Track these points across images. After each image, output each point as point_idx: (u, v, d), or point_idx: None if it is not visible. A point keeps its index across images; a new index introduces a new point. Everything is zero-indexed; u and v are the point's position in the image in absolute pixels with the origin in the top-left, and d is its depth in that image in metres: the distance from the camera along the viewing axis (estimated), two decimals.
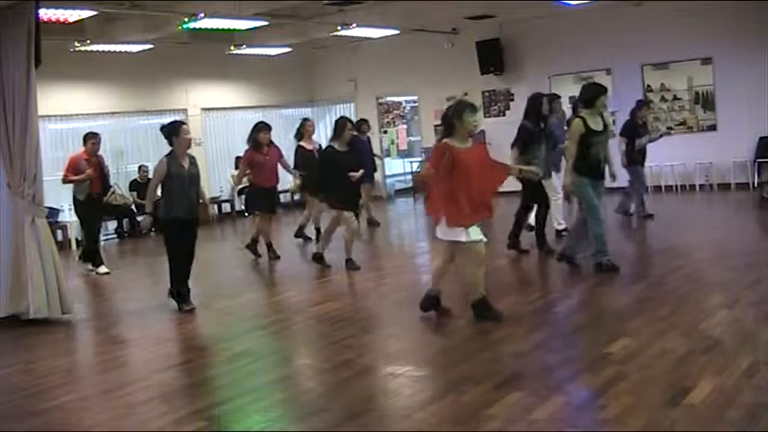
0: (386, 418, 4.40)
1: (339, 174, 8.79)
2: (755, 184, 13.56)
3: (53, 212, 12.10)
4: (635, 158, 10.89)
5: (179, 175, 7.43)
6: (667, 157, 13.91)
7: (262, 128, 10.25)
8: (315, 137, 12.21)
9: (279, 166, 10.48)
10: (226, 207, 16.66)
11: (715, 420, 3.85)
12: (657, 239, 9.86)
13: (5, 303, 7.57)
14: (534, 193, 9.02)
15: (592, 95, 7.48)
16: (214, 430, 4.47)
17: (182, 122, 7.79)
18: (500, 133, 14.18)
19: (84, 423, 4.69)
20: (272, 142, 10.35)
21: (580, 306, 6.77)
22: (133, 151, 15.52)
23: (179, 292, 7.65)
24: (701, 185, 14.17)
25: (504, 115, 16.01)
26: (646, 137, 11.08)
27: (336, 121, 9.18)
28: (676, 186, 14.30)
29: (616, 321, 6.09)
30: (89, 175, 9.97)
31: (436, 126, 17.26)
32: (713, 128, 14.04)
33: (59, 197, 12.86)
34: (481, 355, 5.37)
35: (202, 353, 6.28)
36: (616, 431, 3.93)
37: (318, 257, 9.37)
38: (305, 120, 11.72)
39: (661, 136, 11.58)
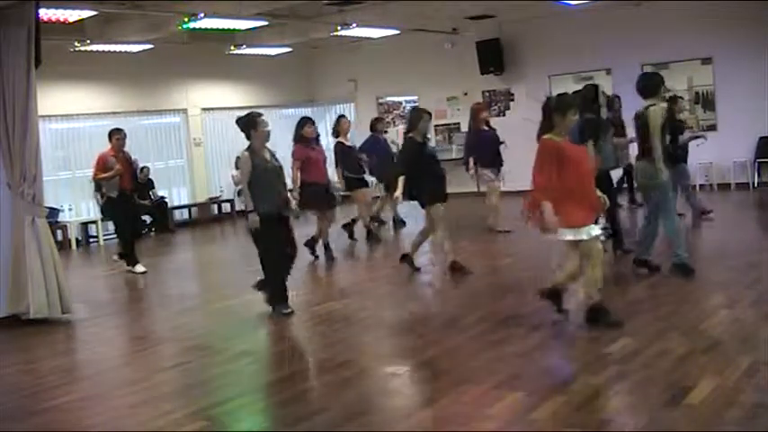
0: (386, 418, 4.40)
1: (424, 166, 8.19)
2: (755, 184, 13.57)
3: (53, 212, 12.10)
4: (678, 155, 10.65)
5: (264, 169, 6.97)
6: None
7: (306, 122, 10.02)
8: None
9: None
10: (226, 207, 16.67)
11: (715, 420, 3.85)
12: (657, 239, 9.84)
13: (5, 303, 7.56)
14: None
15: (657, 83, 7.38)
16: (214, 430, 4.47)
17: (259, 114, 7.16)
18: (500, 133, 14.16)
19: (84, 423, 4.69)
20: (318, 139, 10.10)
21: (580, 306, 6.76)
22: (133, 151, 15.44)
23: (279, 292, 7.15)
24: (700, 185, 14.16)
25: (504, 115, 16.00)
26: (687, 133, 10.87)
27: (411, 112, 8.79)
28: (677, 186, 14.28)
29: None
30: (118, 170, 9.97)
31: (436, 126, 17.31)
32: (713, 128, 14.03)
33: (59, 197, 12.88)
34: (481, 355, 5.37)
35: (202, 353, 6.28)
36: (616, 431, 3.93)
37: (408, 259, 8.56)
38: (341, 116, 11.67)
39: (698, 137, 11.19)
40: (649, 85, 7.43)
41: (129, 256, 10.25)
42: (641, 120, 7.38)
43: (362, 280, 8.70)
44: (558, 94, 6.17)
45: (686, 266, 7.16)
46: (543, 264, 8.81)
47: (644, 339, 5.29)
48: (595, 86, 8.94)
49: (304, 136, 9.90)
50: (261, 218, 6.88)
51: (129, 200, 10.29)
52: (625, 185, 12.22)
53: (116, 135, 10.14)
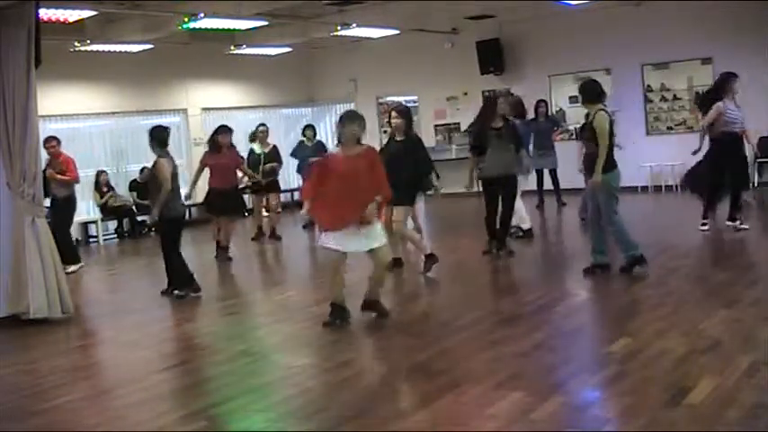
0: (386, 418, 4.40)
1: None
2: (755, 184, 13.56)
3: None
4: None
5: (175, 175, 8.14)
6: (667, 157, 13.90)
7: (221, 130, 10.65)
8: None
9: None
10: None
11: (715, 420, 3.85)
12: (657, 239, 9.85)
13: (5, 303, 7.56)
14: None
15: (599, 91, 7.51)
16: (214, 430, 4.47)
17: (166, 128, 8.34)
18: None
19: (84, 423, 4.69)
20: (232, 145, 10.71)
21: (580, 306, 6.77)
22: (133, 151, 15.52)
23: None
24: None
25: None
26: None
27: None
28: (676, 186, 14.29)
29: (616, 321, 6.09)
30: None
31: (436, 126, 17.32)
32: None
33: None
34: (481, 355, 5.37)
35: (202, 353, 6.29)
36: (616, 431, 3.93)
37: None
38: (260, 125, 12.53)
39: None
40: (591, 91, 7.53)
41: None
42: (589, 125, 7.45)
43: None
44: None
45: (603, 267, 7.48)
46: (545, 264, 8.83)
47: (644, 339, 5.30)
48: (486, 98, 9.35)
49: (217, 143, 10.48)
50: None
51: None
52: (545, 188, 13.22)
53: (50, 143, 10.52)
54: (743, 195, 9.85)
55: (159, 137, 8.04)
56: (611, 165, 7.29)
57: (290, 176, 16.59)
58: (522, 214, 9.89)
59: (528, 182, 10.60)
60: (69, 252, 10.59)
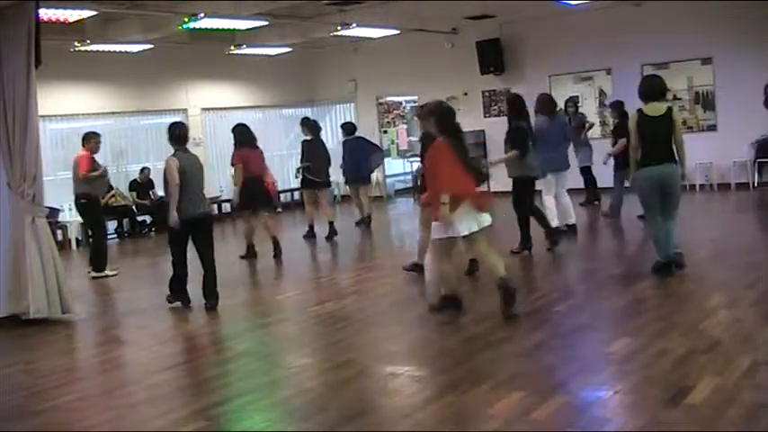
0: (386, 418, 4.40)
1: None
2: (755, 184, 13.57)
3: (53, 212, 12.09)
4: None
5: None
6: None
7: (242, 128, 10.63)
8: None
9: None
10: (226, 207, 16.61)
11: (715, 420, 3.85)
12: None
13: (5, 303, 7.57)
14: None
15: (663, 87, 7.50)
16: (214, 430, 4.47)
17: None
18: (500, 134, 14.18)
19: (84, 423, 4.69)
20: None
21: (580, 306, 6.77)
22: (133, 151, 15.53)
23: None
24: (701, 185, 14.17)
25: (503, 115, 15.99)
26: None
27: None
28: None
29: (616, 321, 6.09)
30: (104, 171, 10.16)
31: None
32: (713, 128, 14.04)
33: (59, 197, 12.86)
34: (481, 355, 5.37)
35: (202, 353, 6.29)
36: (616, 431, 3.93)
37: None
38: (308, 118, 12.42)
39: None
40: (655, 87, 7.55)
41: (103, 260, 10.26)
42: (661, 121, 7.36)
43: (362, 280, 8.70)
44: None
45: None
46: (546, 263, 8.83)
47: (644, 339, 5.30)
48: (518, 96, 9.49)
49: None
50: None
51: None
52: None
53: (94, 138, 10.12)
54: None
55: (171, 133, 7.60)
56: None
57: (287, 176, 16.64)
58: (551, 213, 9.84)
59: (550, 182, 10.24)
60: (102, 256, 10.37)
